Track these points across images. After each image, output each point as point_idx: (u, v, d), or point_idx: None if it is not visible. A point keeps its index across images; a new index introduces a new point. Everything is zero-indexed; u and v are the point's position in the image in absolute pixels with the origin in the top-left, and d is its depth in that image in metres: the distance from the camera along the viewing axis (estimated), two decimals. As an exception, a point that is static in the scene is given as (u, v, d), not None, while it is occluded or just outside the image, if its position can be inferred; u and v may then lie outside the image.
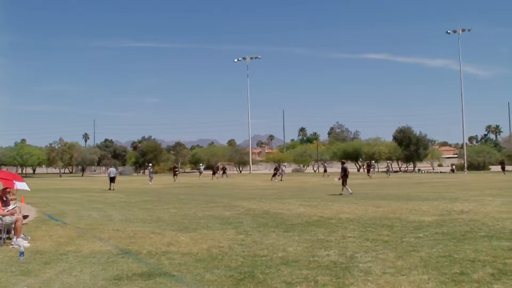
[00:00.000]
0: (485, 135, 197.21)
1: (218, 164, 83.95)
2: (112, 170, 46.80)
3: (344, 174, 30.89)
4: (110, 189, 42.76)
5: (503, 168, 72.54)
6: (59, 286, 8.34)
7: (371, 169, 70.37)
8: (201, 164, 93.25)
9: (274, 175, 61.06)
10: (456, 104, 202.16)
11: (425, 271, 8.81)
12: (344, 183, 30.61)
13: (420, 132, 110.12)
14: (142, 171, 70.26)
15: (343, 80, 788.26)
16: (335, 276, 8.61)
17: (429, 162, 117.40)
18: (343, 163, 33.45)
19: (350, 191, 29.90)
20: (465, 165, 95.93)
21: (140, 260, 10.35)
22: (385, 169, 72.93)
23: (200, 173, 77.31)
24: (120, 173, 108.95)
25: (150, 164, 66.12)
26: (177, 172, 68.45)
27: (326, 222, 16.40)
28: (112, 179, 44.23)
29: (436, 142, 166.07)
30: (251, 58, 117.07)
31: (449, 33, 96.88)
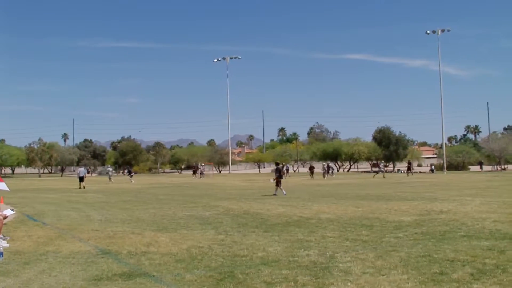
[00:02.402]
0: (464, 135, 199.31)
1: (198, 163, 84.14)
2: (82, 170, 49.29)
3: (279, 175, 31.12)
4: (80, 188, 43.49)
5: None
6: (39, 286, 8.29)
7: (381, 169, 69.88)
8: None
9: (312, 173, 66.09)
10: (436, 105, 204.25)
11: (404, 271, 8.85)
12: (278, 183, 30.75)
13: (400, 132, 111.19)
14: (122, 171, 70.49)
15: (323, 80, 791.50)
16: (315, 276, 8.62)
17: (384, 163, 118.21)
18: (277, 164, 33.72)
19: (284, 193, 30.06)
20: (445, 165, 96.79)
21: (120, 261, 10.32)
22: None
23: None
24: (100, 173, 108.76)
25: (109, 166, 70.42)
26: (197, 171, 69.97)
27: (306, 222, 16.44)
28: (81, 179, 46.00)
29: (416, 142, 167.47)
30: (231, 58, 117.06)
31: (429, 33, 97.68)
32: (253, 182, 53.68)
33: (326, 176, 66.79)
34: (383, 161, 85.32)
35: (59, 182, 62.39)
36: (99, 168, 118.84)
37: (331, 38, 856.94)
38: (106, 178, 63.78)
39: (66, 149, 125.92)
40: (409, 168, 73.73)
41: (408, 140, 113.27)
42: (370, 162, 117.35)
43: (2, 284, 8.42)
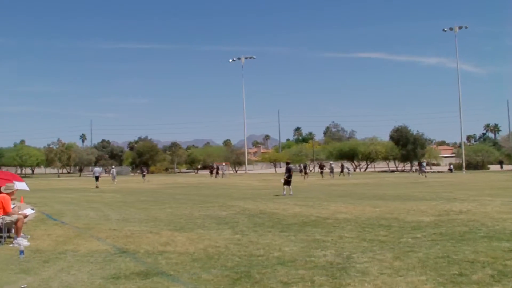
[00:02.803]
0: (484, 134, 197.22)
1: (214, 164, 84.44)
2: (97, 169, 50.28)
3: (289, 174, 30.98)
4: (96, 187, 43.95)
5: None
6: (58, 284, 8.39)
7: (423, 169, 69.06)
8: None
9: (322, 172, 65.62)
10: (454, 103, 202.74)
11: (423, 272, 8.77)
12: (287, 183, 30.67)
13: (417, 131, 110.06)
14: (138, 171, 71.14)
15: (339, 79, 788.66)
16: (331, 276, 8.59)
17: (426, 162, 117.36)
18: (287, 163, 33.57)
19: (291, 192, 30.09)
20: (463, 164, 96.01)
21: (137, 260, 10.39)
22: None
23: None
24: (117, 173, 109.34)
25: (113, 166, 70.72)
26: (214, 171, 70.58)
27: (323, 222, 16.39)
28: (97, 178, 46.63)
29: (434, 141, 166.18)
30: (246, 58, 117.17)
31: (446, 30, 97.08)
32: (269, 182, 53.59)
33: (331, 175, 66.23)
34: (425, 160, 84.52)
35: (77, 182, 62.76)
36: (117, 168, 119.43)
37: (346, 36, 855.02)
38: (125, 177, 64.09)
39: (84, 150, 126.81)
40: (421, 168, 73.16)
41: (425, 139, 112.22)
42: (412, 163, 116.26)
43: (23, 282, 8.54)
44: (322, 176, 63.75)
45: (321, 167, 69.52)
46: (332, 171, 68.18)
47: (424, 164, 73.27)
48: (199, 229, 15.19)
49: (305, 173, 64.31)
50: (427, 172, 73.37)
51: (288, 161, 37.13)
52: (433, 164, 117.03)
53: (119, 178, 67.39)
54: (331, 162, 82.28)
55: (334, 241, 12.36)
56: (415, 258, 9.99)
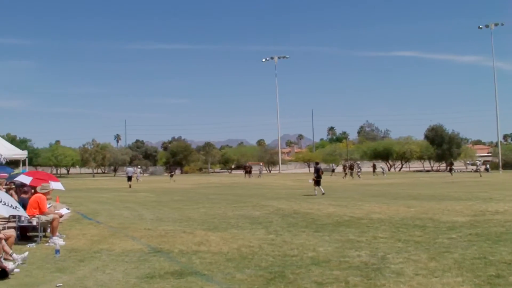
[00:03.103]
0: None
1: (248, 163, 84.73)
2: (130, 169, 51.17)
3: (318, 174, 30.88)
4: (129, 187, 44.43)
5: None
6: (93, 283, 8.47)
7: (482, 168, 68.05)
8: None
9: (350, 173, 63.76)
10: (490, 101, 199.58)
11: (459, 273, 8.67)
12: (317, 183, 30.56)
13: (453, 130, 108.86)
14: (169, 172, 72.06)
15: (372, 78, 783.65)
16: (366, 277, 8.54)
17: (462, 161, 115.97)
18: (316, 163, 33.61)
19: (323, 192, 29.92)
20: (500, 163, 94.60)
21: (172, 259, 10.44)
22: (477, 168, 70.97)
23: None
24: (151, 173, 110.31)
25: (139, 166, 72.60)
26: (249, 170, 70.97)
27: (357, 222, 16.31)
28: (129, 178, 47.22)
29: (469, 140, 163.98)
30: (279, 58, 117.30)
31: (481, 28, 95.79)
32: (302, 181, 53.38)
33: (345, 177, 63.71)
34: (479, 160, 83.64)
35: (112, 182, 63.33)
36: (151, 168, 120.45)
37: (379, 35, 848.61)
38: (159, 177, 64.53)
39: (119, 150, 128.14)
40: (451, 168, 72.20)
41: (461, 139, 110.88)
42: (468, 160, 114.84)
43: (58, 280, 8.62)
44: (352, 177, 63.03)
45: (351, 167, 68.59)
46: (358, 171, 67.26)
47: (479, 163, 72.19)
48: (232, 229, 15.21)
49: (347, 172, 64.43)
50: (477, 171, 72.01)
51: (317, 161, 37.20)
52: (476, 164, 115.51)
53: (153, 178, 67.93)
54: (358, 162, 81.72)
55: (369, 242, 12.29)
56: (450, 259, 9.87)
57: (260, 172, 77.46)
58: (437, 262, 9.65)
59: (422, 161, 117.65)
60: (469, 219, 16.34)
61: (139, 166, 70.77)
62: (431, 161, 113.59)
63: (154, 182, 59.70)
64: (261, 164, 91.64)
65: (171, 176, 65.25)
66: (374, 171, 74.81)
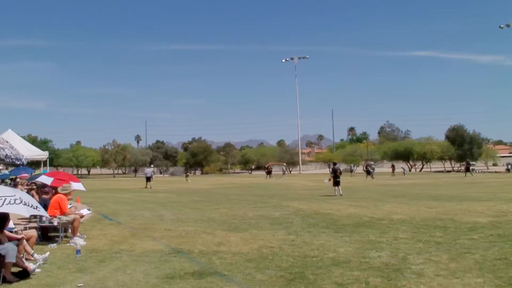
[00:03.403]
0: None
1: (269, 164, 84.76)
2: (148, 170, 51.52)
3: (335, 175, 30.80)
4: (146, 187, 44.72)
5: None
6: (114, 283, 8.51)
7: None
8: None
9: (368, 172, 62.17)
10: (511, 101, 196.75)
11: (480, 274, 8.61)
12: (337, 184, 30.45)
13: (474, 130, 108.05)
14: (189, 172, 72.00)
15: (392, 78, 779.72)
16: (386, 277, 8.51)
17: (483, 162, 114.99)
18: (334, 164, 33.52)
19: (341, 193, 29.83)
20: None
21: (192, 259, 10.46)
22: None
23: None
24: (172, 174, 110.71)
25: (152, 166, 73.08)
26: (270, 170, 71.17)
27: (377, 222, 16.24)
28: (148, 179, 47.50)
29: (491, 140, 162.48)
30: (299, 58, 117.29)
31: (502, 27, 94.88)
32: (323, 182, 53.24)
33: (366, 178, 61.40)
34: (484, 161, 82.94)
35: (132, 183, 63.66)
36: (171, 169, 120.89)
37: (399, 35, 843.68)
38: (179, 178, 64.67)
39: (139, 150, 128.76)
40: (468, 168, 71.46)
41: (482, 139, 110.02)
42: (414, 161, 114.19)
43: (79, 280, 8.67)
44: (366, 177, 62.07)
45: (368, 167, 67.54)
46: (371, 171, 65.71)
47: None
48: (253, 229, 15.22)
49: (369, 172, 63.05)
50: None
51: (335, 161, 37.14)
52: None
53: (172, 178, 68.09)
54: (372, 162, 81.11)
55: (389, 242, 12.23)
56: (471, 260, 9.81)
57: (284, 172, 77.37)
58: (458, 263, 9.59)
59: (443, 161, 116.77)
60: (491, 220, 16.21)
61: (151, 166, 71.09)
62: (452, 162, 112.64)
63: (174, 182, 59.87)
64: (284, 164, 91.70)
65: (186, 176, 65.26)
66: (393, 171, 74.28)
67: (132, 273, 9.28)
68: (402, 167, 77.34)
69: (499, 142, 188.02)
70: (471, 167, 70.36)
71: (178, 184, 54.70)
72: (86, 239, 13.32)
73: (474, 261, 9.67)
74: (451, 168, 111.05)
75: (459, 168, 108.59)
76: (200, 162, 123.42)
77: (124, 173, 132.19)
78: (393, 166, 77.48)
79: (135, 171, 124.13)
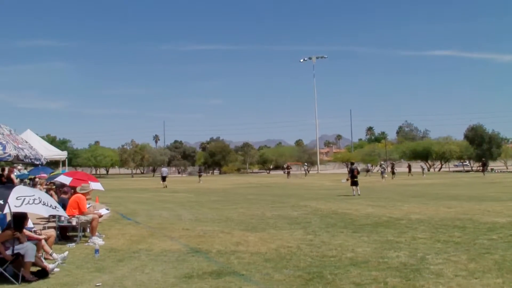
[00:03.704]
0: None
1: (288, 163, 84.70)
2: (164, 170, 52.50)
3: (352, 175, 30.77)
4: (163, 187, 45.18)
5: None
6: (132, 283, 8.54)
7: None
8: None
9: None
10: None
11: (499, 275, 8.55)
12: (355, 183, 30.39)
13: (493, 130, 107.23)
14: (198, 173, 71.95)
15: (411, 77, 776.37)
16: (405, 278, 8.48)
17: (503, 161, 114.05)
18: (352, 164, 33.50)
19: (359, 193, 29.75)
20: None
21: (210, 259, 10.48)
22: None
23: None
24: (190, 174, 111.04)
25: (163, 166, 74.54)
26: (290, 170, 71.02)
27: (396, 222, 16.17)
28: (163, 178, 48.00)
29: (510, 140, 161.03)
30: (317, 58, 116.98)
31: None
32: (341, 182, 53.16)
33: (388, 178, 58.82)
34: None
35: (151, 182, 63.87)
36: (189, 169, 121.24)
37: (417, 34, 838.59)
38: (197, 178, 64.67)
39: (157, 150, 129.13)
40: (483, 168, 70.78)
41: (501, 138, 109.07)
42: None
43: (98, 280, 8.71)
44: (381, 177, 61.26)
45: (392, 167, 66.53)
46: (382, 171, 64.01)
47: None
48: (271, 229, 15.22)
49: (393, 172, 62.49)
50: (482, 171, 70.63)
51: (352, 161, 37.04)
52: None
53: (191, 178, 68.19)
54: (382, 162, 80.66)
55: (408, 242, 12.18)
56: (491, 260, 9.74)
57: (306, 172, 77.04)
58: (477, 263, 9.53)
59: (462, 161, 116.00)
60: (510, 220, 16.07)
61: (162, 166, 71.64)
62: (471, 161, 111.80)
63: (192, 182, 59.95)
64: (306, 164, 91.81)
65: (199, 176, 65.21)
66: (409, 171, 73.70)
67: (150, 272, 9.32)
68: (421, 165, 76.74)
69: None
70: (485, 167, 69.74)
71: (196, 184, 54.73)
72: (104, 239, 13.38)
73: (493, 262, 9.60)
74: (470, 168, 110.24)
75: (478, 167, 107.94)
76: (218, 162, 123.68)
77: (142, 173, 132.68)
78: (409, 166, 76.99)
79: (154, 171, 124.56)
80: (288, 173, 74.03)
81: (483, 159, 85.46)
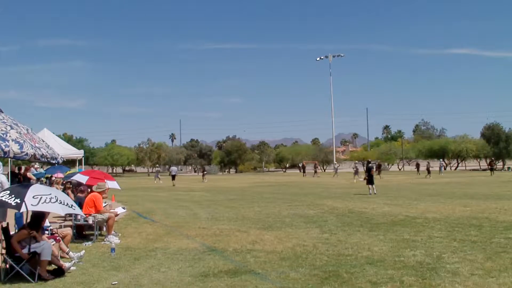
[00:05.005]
0: None
1: (304, 162, 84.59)
2: (174, 168, 53.46)
3: (369, 173, 30.74)
4: (173, 185, 45.46)
5: None
6: (148, 281, 8.58)
7: None
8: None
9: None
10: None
11: (516, 273, 8.51)
12: (370, 182, 30.25)
13: (510, 128, 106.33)
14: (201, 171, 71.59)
15: (428, 76, 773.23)
16: (421, 276, 8.47)
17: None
18: (368, 162, 33.57)
19: (375, 191, 29.63)
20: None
21: (226, 258, 10.51)
22: None
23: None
24: (207, 172, 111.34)
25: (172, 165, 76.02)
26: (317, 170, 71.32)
27: (412, 221, 16.12)
28: (173, 177, 48.44)
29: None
30: (334, 57, 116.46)
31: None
32: (357, 181, 52.97)
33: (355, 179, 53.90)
34: None
35: (167, 181, 63.97)
36: (206, 168, 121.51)
37: (434, 32, 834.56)
38: (213, 176, 64.76)
39: (174, 149, 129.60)
40: (491, 167, 70.08)
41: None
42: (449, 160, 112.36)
43: (114, 278, 8.75)
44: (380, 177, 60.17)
45: (379, 166, 63.03)
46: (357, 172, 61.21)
47: None
48: (287, 228, 15.22)
49: (428, 172, 59.81)
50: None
51: (369, 160, 36.92)
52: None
53: (208, 177, 68.15)
54: (356, 161, 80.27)
55: (424, 241, 12.16)
56: (507, 259, 9.72)
57: (336, 172, 76.79)
58: (493, 262, 9.50)
59: (479, 160, 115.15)
60: (527, 219, 15.94)
61: (171, 165, 71.94)
62: (488, 160, 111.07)
63: (209, 181, 59.96)
64: (316, 162, 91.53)
65: (203, 175, 64.82)
66: (418, 170, 72.75)
67: (167, 271, 9.36)
68: (440, 163, 75.83)
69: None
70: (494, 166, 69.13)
71: (213, 183, 54.81)
72: (120, 237, 13.46)
73: (510, 260, 9.58)
74: (487, 167, 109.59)
75: (496, 166, 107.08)
76: (234, 160, 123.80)
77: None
78: (417, 165, 76.00)
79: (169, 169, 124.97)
80: (304, 171, 73.81)
81: (492, 158, 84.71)
